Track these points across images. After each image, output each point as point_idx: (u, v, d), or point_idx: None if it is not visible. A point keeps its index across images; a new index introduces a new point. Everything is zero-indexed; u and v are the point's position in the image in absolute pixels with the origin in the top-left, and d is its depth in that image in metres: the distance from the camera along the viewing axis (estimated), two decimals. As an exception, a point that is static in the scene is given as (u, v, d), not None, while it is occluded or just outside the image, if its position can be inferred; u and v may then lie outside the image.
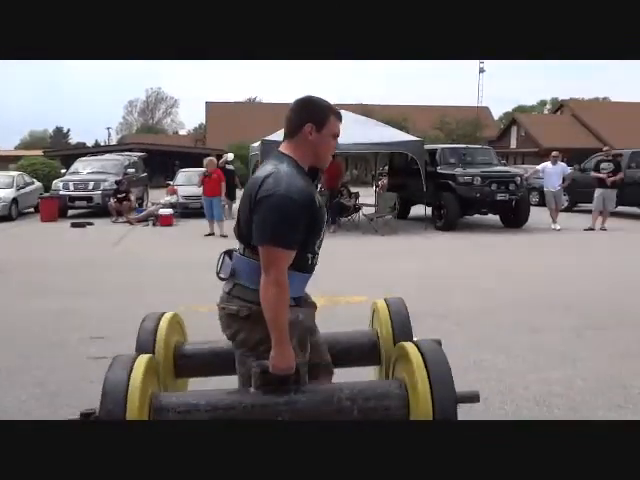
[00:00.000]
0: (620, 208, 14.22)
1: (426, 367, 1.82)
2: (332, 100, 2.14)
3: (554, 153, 11.74)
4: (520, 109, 69.74)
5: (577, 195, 13.92)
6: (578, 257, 8.07)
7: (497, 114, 61.97)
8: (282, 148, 1.90)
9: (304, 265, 1.89)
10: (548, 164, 11.60)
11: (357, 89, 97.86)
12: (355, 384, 1.99)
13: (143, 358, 1.91)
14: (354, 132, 10.82)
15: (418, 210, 12.32)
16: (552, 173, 11.42)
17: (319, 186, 11.13)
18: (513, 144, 42.06)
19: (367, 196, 13.63)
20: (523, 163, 32.87)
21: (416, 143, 11.47)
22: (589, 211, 11.97)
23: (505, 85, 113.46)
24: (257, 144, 11.62)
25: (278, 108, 20.71)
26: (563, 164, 12.00)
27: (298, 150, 1.87)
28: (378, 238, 10.17)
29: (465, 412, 2.15)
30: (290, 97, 2.50)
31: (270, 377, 1.80)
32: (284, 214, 1.72)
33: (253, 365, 1.84)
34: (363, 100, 38.72)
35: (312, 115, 1.85)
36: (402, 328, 2.37)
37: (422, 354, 1.87)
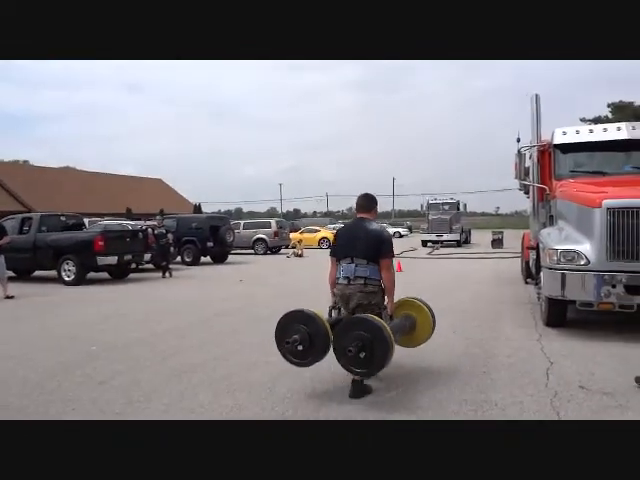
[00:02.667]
0: (37, 273, 14.26)
1: (423, 304, 4.94)
2: None
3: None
4: None
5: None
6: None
7: None
8: (365, 215, 4.51)
9: None
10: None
11: None
12: (400, 318, 4.68)
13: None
14: None
15: None
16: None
17: None
18: None
19: None
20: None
21: None
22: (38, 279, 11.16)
23: None
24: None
25: None
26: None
27: (373, 217, 4.54)
28: None
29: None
30: None
31: (389, 315, 4.29)
32: (392, 244, 4.38)
33: (384, 313, 4.26)
34: None
35: (376, 202, 4.63)
36: None
37: (416, 300, 4.94)
